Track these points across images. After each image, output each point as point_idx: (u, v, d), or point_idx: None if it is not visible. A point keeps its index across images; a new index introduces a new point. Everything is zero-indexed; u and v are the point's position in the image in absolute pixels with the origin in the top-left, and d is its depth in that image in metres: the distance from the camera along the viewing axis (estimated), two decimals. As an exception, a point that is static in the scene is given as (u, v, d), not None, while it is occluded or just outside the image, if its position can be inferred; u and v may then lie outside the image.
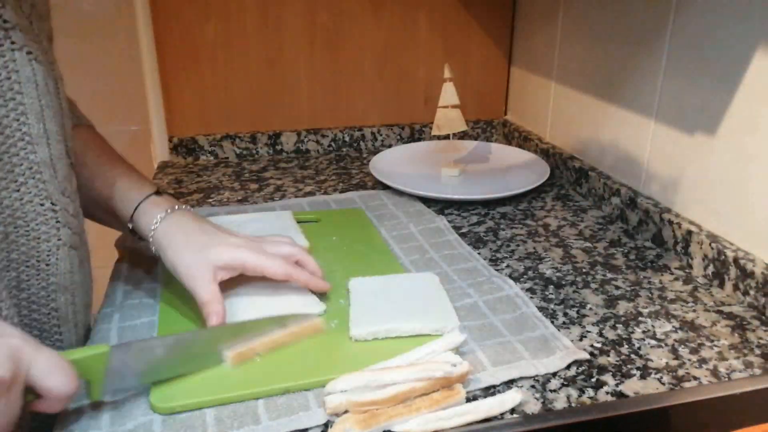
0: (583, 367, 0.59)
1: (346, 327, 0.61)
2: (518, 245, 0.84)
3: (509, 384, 0.56)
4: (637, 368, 0.59)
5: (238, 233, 0.65)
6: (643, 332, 0.64)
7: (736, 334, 0.64)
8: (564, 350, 0.60)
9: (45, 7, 0.56)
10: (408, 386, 0.51)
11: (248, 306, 0.63)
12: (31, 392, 0.43)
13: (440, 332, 0.60)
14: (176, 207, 0.64)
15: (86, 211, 0.63)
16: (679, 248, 0.80)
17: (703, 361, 0.60)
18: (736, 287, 0.71)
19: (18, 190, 0.51)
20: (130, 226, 0.64)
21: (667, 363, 0.59)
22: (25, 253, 0.53)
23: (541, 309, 0.68)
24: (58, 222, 0.54)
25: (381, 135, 1.28)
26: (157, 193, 0.65)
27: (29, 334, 0.47)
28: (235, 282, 0.64)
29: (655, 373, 0.58)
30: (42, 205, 0.53)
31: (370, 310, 0.63)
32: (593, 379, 0.57)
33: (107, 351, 0.48)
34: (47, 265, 0.54)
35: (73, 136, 0.63)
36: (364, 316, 0.62)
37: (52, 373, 0.42)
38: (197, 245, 0.61)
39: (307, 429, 0.50)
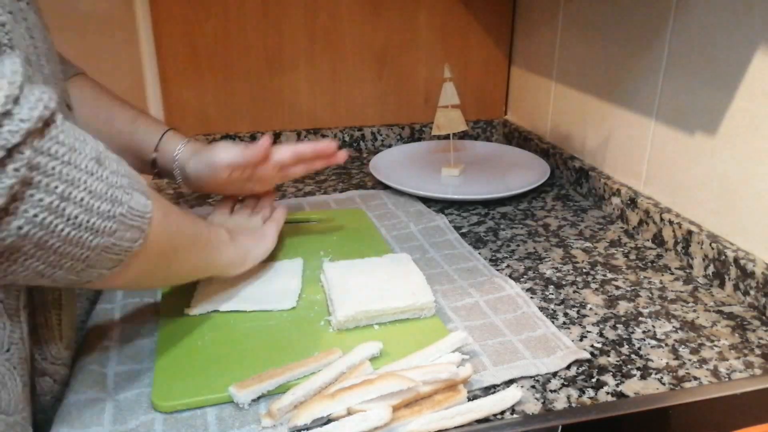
0: (584, 367, 0.59)
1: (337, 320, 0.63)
2: (518, 245, 0.84)
3: (510, 383, 0.56)
4: (638, 368, 0.59)
5: None
6: (644, 332, 0.65)
7: (737, 335, 0.64)
8: (565, 350, 0.60)
9: None
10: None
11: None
12: None
13: (415, 308, 0.63)
14: (192, 138, 0.74)
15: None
16: (679, 248, 0.80)
17: (703, 361, 0.60)
18: (736, 287, 0.71)
19: None
20: (154, 155, 0.72)
21: (667, 363, 0.60)
22: None
23: (541, 309, 0.68)
24: None
25: (381, 135, 1.28)
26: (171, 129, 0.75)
27: None
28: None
29: (656, 373, 0.58)
30: None
31: (349, 295, 0.64)
32: (593, 379, 0.57)
33: None
34: None
35: (77, 84, 0.70)
36: (342, 305, 0.63)
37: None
38: (211, 149, 0.71)
39: (308, 428, 0.50)
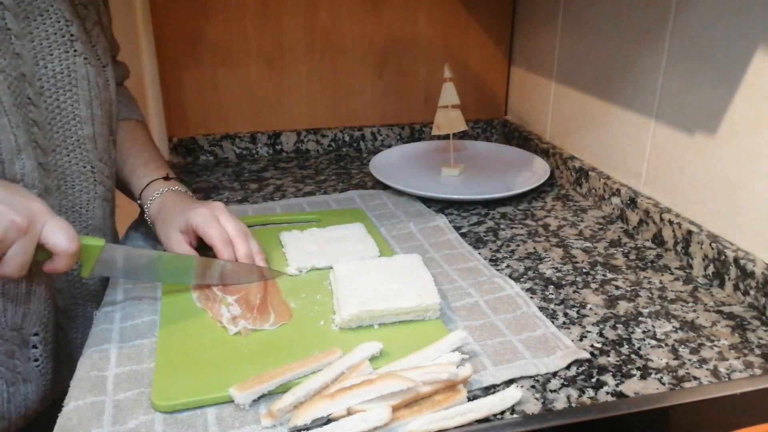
0: (584, 367, 0.59)
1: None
2: (518, 245, 0.84)
3: (510, 384, 0.56)
4: (638, 368, 0.59)
5: (210, 203, 0.75)
6: (643, 332, 0.65)
7: (736, 334, 0.64)
8: (565, 350, 0.60)
9: (108, 25, 0.76)
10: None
11: None
12: (43, 252, 0.55)
13: (420, 309, 0.63)
14: (167, 189, 0.77)
15: (118, 185, 0.80)
16: (679, 248, 0.80)
17: (703, 361, 0.60)
18: (736, 287, 0.71)
19: (68, 156, 0.68)
20: (139, 202, 0.80)
21: (667, 363, 0.60)
22: (71, 201, 0.70)
23: (541, 309, 0.68)
24: (95, 180, 0.72)
25: (381, 135, 1.28)
26: (165, 178, 0.79)
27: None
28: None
29: (656, 373, 0.58)
30: (84, 167, 0.70)
31: (354, 294, 0.64)
32: (593, 379, 0.57)
33: (101, 245, 0.60)
34: (86, 211, 0.72)
35: (122, 127, 0.81)
36: (347, 304, 0.63)
37: (58, 233, 0.55)
38: (169, 219, 0.74)
39: (308, 428, 0.50)
